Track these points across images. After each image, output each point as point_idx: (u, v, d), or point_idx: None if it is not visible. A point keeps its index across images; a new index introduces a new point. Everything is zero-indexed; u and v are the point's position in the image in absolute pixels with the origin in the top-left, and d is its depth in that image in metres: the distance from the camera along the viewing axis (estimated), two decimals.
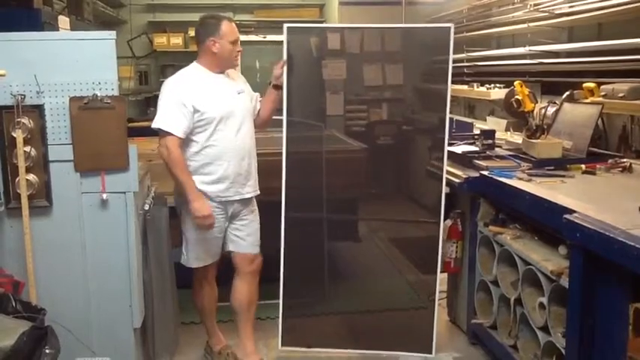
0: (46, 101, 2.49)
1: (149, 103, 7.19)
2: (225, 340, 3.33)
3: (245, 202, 3.09)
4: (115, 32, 2.53)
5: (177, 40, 7.50)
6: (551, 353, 2.55)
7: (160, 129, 2.80)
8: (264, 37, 7.89)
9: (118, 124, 2.54)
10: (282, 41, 8.45)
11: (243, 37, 8.18)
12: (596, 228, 2.06)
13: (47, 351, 2.26)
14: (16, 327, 2.18)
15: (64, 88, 2.50)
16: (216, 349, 3.27)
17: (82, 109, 2.50)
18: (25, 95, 2.46)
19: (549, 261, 2.55)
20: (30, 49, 2.46)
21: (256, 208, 3.20)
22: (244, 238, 3.12)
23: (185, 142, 2.88)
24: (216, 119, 2.90)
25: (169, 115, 2.81)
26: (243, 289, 3.15)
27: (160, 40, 7.46)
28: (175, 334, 3.07)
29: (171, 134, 2.79)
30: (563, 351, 2.42)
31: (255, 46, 7.90)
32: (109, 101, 2.51)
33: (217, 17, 2.97)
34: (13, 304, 2.34)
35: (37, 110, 2.49)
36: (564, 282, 2.38)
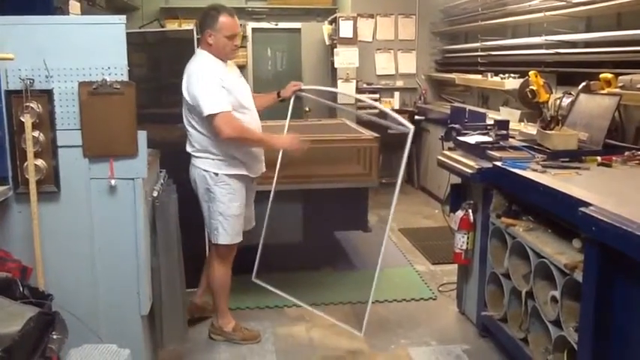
0: (55, 86, 2.46)
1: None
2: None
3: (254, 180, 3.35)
4: (124, 17, 2.49)
5: (189, 27, 7.44)
6: (563, 348, 2.52)
7: (216, 113, 2.95)
8: (277, 25, 7.85)
9: (128, 110, 2.51)
10: (294, 28, 8.35)
11: (254, 25, 8.16)
12: (612, 222, 2.02)
13: (54, 337, 2.25)
14: (24, 312, 2.17)
15: (74, 72, 2.46)
16: (228, 328, 3.37)
17: (91, 94, 2.47)
18: (33, 80, 2.43)
19: (563, 254, 2.51)
20: (39, 33, 2.43)
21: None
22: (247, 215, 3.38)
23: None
24: (239, 101, 3.10)
25: (219, 97, 2.98)
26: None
27: (172, 27, 7.41)
28: (184, 322, 3.06)
29: (228, 112, 2.99)
30: (575, 346, 2.38)
31: (267, 33, 7.86)
32: (118, 86, 2.48)
33: (218, 9, 3.06)
34: (21, 290, 2.33)
35: (46, 95, 2.46)
36: (578, 276, 2.34)
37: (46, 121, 2.47)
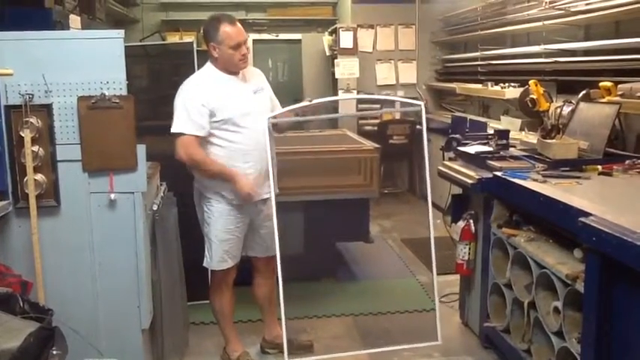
0: (54, 100, 2.48)
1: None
2: (243, 346, 3.29)
3: (263, 202, 3.05)
4: (123, 31, 2.51)
5: (190, 39, 7.47)
6: (566, 359, 2.49)
7: (179, 133, 2.82)
8: (277, 36, 7.88)
9: (127, 124, 2.52)
10: (295, 40, 8.26)
11: (255, 36, 8.17)
12: (613, 232, 2.00)
13: (54, 352, 2.24)
14: (23, 328, 2.16)
15: (73, 87, 2.48)
16: (234, 356, 3.22)
17: (90, 108, 2.48)
18: (33, 95, 2.44)
19: (564, 264, 2.49)
20: (38, 48, 2.45)
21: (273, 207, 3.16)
22: (262, 244, 3.16)
23: (203, 144, 2.89)
24: (231, 120, 2.88)
25: (187, 118, 2.82)
26: (265, 284, 3.27)
27: (173, 39, 7.44)
28: (185, 335, 3.06)
29: (191, 135, 2.81)
30: (578, 357, 2.36)
31: (267, 44, 7.89)
32: (117, 101, 2.49)
33: (219, 20, 2.88)
34: (21, 305, 2.32)
35: (46, 110, 2.47)
36: (580, 286, 2.32)
37: (46, 136, 2.48)
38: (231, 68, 2.92)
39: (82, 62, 2.48)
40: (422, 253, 5.05)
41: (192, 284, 3.36)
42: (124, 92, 2.52)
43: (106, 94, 2.48)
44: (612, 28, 4.07)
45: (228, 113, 2.87)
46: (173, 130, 2.82)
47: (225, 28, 2.84)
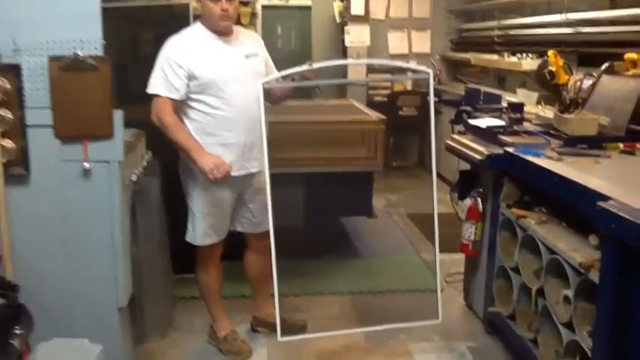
0: (23, 60, 2.26)
1: None
2: (231, 324, 3.14)
3: (252, 176, 2.86)
4: None
5: (194, 4, 7.22)
6: (575, 352, 2.30)
7: (154, 94, 2.65)
8: (287, 2, 7.60)
9: (102, 87, 2.30)
10: (305, 6, 8.04)
11: (264, 2, 7.86)
12: (634, 218, 1.79)
13: (17, 332, 2.10)
14: None
15: (44, 46, 2.26)
16: (221, 334, 3.08)
17: (62, 69, 2.27)
18: (0, 54, 2.24)
19: (578, 251, 2.29)
20: (5, 4, 2.23)
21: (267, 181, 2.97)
22: (252, 219, 2.99)
23: (182, 109, 2.70)
24: (214, 84, 2.68)
25: (163, 78, 2.64)
26: (257, 261, 3.11)
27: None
28: (168, 313, 2.89)
29: (165, 97, 2.63)
30: (588, 352, 2.17)
31: (277, 10, 7.62)
32: (92, 62, 2.28)
33: None
34: None
35: (14, 70, 2.27)
36: (594, 276, 2.12)
37: (14, 99, 2.28)
38: (213, 25, 2.71)
39: (54, 19, 2.25)
40: (428, 230, 4.83)
41: (182, 256, 3.17)
42: (100, 53, 2.30)
43: (80, 54, 2.27)
44: None
45: (210, 76, 2.66)
46: (148, 90, 2.65)
47: None
